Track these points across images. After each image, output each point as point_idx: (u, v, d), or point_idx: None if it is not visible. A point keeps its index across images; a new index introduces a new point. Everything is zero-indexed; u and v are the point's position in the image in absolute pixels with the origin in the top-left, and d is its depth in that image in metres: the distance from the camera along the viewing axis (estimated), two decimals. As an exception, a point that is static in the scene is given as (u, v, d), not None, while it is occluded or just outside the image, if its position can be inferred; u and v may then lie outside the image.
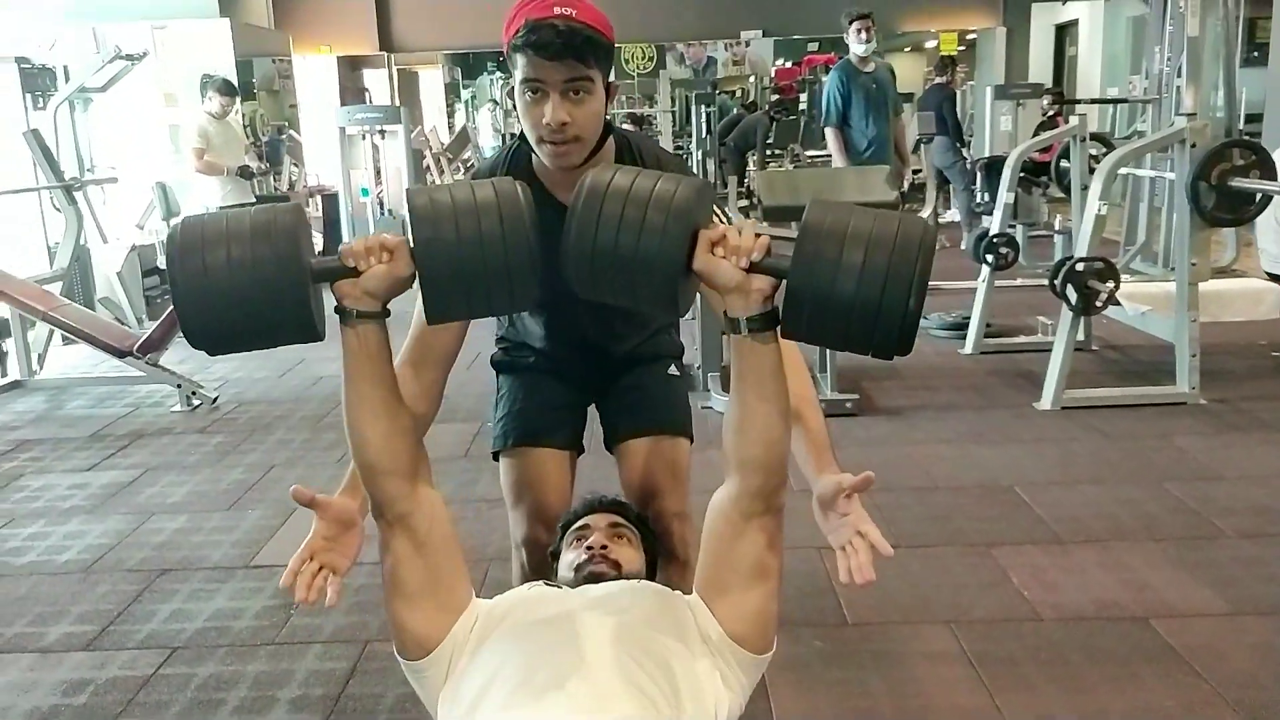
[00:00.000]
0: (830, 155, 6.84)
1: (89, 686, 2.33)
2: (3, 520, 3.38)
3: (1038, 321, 5.19)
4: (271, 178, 9.17)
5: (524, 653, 1.35)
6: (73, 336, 4.78)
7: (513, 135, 1.97)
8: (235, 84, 7.05)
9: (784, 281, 1.29)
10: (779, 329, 1.33)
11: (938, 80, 8.66)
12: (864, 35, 5.54)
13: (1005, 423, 3.98)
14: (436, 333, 1.64)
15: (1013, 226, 6.90)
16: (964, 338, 5.11)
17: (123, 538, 3.18)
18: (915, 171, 8.14)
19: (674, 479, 1.89)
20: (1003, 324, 5.43)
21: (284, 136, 9.96)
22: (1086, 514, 3.07)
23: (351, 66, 13.83)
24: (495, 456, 1.98)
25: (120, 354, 4.59)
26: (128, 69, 6.23)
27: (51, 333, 5.14)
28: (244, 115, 8.54)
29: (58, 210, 5.73)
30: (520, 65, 1.52)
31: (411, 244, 1.34)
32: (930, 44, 14.01)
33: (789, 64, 14.12)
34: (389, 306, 1.40)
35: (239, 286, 1.29)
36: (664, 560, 1.91)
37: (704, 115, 4.16)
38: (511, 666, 1.33)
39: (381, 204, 7.69)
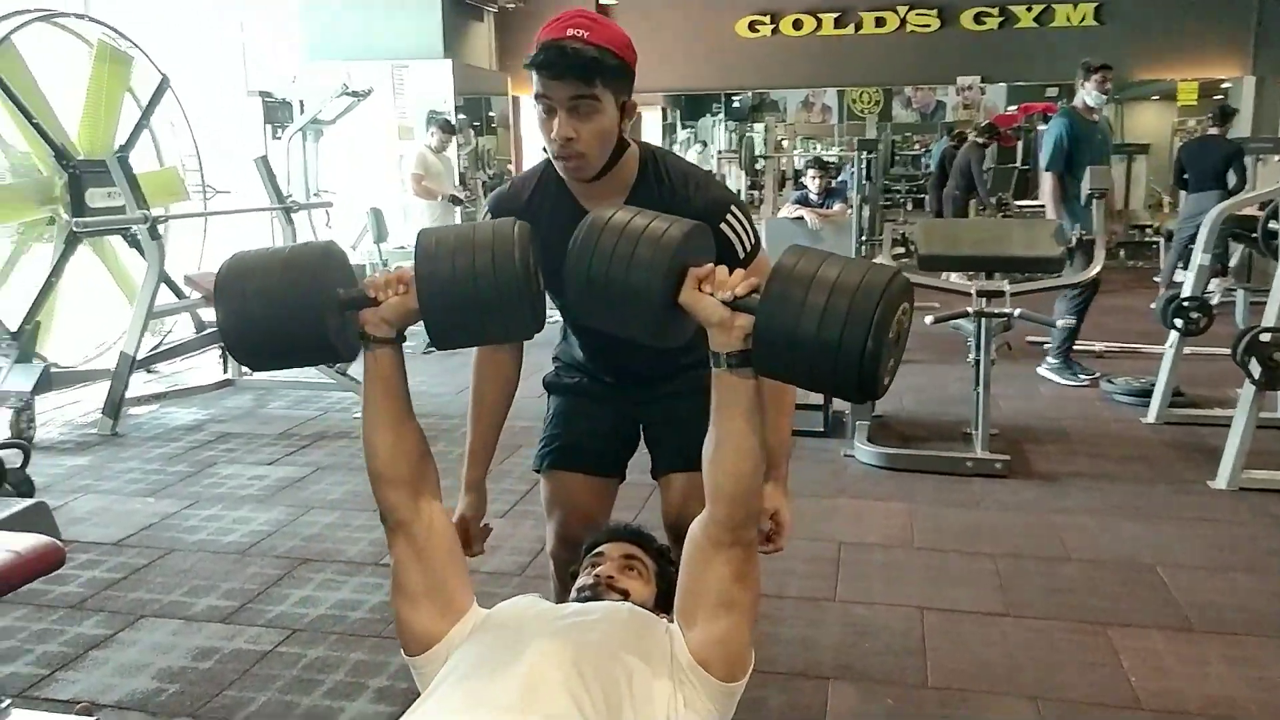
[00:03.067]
0: (1042, 205, 6.53)
1: (216, 654, 2.60)
2: (189, 501, 3.80)
3: (1238, 395, 4.78)
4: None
5: (479, 656, 1.44)
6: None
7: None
8: (454, 123, 7.66)
9: None
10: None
11: (1211, 130, 8.10)
12: (1106, 86, 5.43)
13: (1167, 499, 3.70)
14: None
15: (1234, 290, 6.39)
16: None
17: (280, 527, 3.50)
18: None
19: None
20: (1198, 394, 5.04)
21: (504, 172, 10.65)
22: (1228, 604, 2.82)
23: (576, 106, 14.48)
24: (538, 472, 2.10)
25: (314, 361, 5.03)
26: (355, 104, 6.85)
27: (265, 339, 5.69)
28: (476, 148, 9.24)
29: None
30: (534, 82, 1.62)
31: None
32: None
33: (1014, 109, 13.66)
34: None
35: (267, 311, 1.49)
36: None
37: (865, 161, 4.13)
38: (465, 666, 1.42)
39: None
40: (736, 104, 20.95)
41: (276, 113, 6.80)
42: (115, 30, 5.46)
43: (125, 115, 5.59)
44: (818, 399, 4.92)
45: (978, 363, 4.06)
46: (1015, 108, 13.60)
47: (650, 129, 18.01)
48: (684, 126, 19.81)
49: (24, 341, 4.73)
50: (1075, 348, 5.82)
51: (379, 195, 7.94)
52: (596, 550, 1.79)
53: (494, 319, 1.49)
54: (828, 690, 2.39)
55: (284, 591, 2.98)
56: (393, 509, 1.56)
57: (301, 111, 6.81)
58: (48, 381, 4.68)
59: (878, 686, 2.41)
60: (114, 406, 4.73)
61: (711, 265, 1.42)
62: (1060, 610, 2.80)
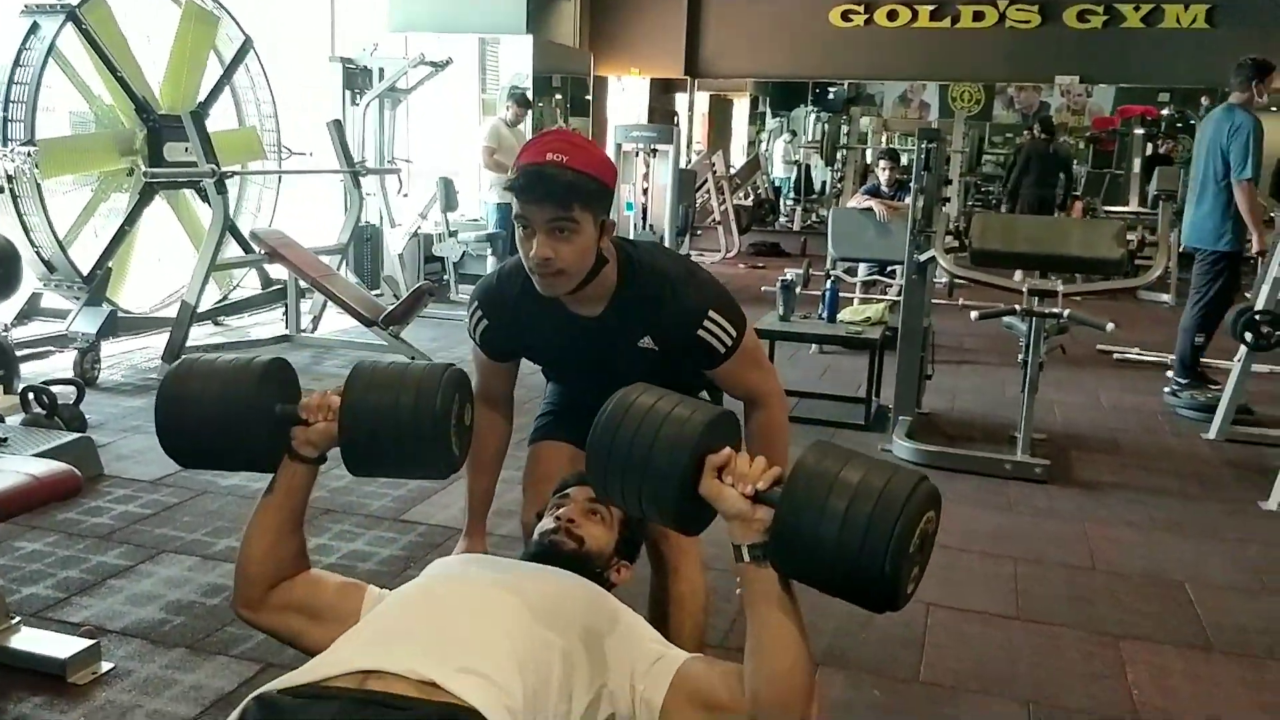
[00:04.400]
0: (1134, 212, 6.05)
1: (224, 592, 2.68)
2: (229, 447, 3.91)
3: (1310, 415, 4.56)
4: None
5: (414, 601, 1.45)
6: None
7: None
8: (530, 98, 7.71)
9: None
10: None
11: None
12: (1276, 86, 4.95)
13: (1213, 517, 3.54)
14: (489, 380, 2.03)
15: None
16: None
17: (310, 478, 3.58)
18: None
19: None
20: (1271, 414, 4.81)
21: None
22: (1256, 627, 2.70)
23: (664, 89, 14.46)
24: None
25: (368, 323, 5.14)
26: (433, 74, 6.95)
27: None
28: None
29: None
30: (514, 204, 1.65)
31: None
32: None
33: (1111, 113, 13.23)
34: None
35: (200, 417, 1.63)
36: (657, 564, 1.94)
37: (924, 152, 4.03)
38: (398, 609, 1.43)
39: (644, 216, 8.04)
40: (830, 95, 20.59)
41: (356, 79, 6.94)
42: (203, -10, 5.63)
43: (209, 74, 5.76)
44: (860, 391, 4.85)
45: (1025, 364, 3.94)
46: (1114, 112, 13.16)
47: (739, 117, 17.90)
48: (775, 115, 19.61)
49: (94, 286, 4.92)
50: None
51: (459, 166, 8.05)
52: (563, 492, 1.80)
53: (405, 455, 1.59)
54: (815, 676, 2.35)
55: (301, 539, 3.05)
56: (246, 601, 1.66)
57: (380, 79, 6.93)
58: (113, 326, 4.86)
59: (866, 676, 2.36)
60: (173, 353, 4.88)
61: (729, 452, 1.39)
62: (1074, 619, 2.71)
